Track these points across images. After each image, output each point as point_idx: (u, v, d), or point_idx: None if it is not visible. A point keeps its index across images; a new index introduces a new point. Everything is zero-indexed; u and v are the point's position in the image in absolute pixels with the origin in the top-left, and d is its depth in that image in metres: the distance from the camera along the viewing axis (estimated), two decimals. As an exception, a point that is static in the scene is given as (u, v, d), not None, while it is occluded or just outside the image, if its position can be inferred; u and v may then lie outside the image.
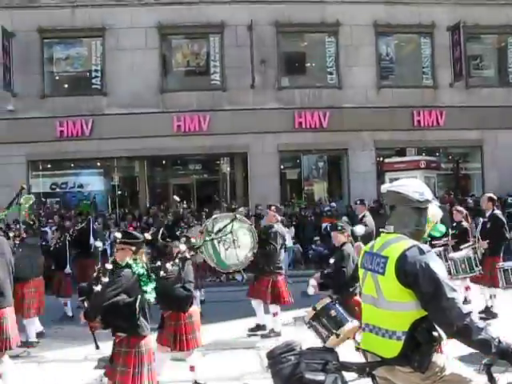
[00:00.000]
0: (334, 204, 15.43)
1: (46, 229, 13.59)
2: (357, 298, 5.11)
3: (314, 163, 16.63)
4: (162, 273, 4.86)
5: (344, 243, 5.75)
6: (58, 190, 15.92)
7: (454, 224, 8.32)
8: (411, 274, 2.45)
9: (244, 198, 15.78)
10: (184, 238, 5.68)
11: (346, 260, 5.55)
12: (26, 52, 15.41)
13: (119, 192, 16.21)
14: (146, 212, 15.02)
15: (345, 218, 14.53)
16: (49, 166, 16.15)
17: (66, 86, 16.10)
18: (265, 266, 7.03)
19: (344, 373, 2.61)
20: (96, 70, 15.78)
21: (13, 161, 15.35)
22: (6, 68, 15.09)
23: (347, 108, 15.90)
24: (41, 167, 16.08)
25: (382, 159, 16.24)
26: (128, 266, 3.98)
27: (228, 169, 16.85)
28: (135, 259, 4.03)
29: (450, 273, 7.31)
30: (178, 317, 5.13)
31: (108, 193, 16.11)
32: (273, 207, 7.43)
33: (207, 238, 6.12)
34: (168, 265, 5.06)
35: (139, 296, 3.88)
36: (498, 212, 7.78)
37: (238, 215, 6.90)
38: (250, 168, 15.75)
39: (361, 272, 2.81)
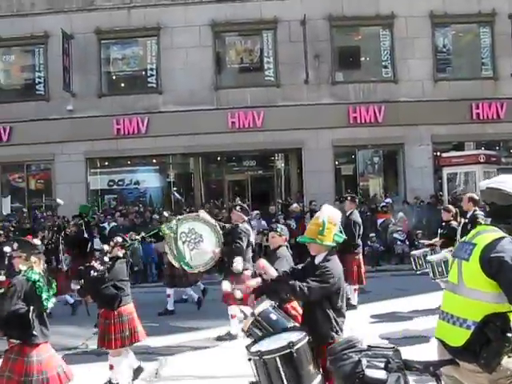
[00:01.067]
0: (389, 199, 15.70)
1: (105, 225, 14.48)
2: (292, 303, 4.96)
3: (369, 158, 16.94)
4: (92, 272, 5.42)
5: (280, 246, 5.66)
6: (115, 186, 16.83)
7: (443, 223, 8.31)
8: (497, 262, 2.52)
9: (298, 194, 16.25)
10: (117, 238, 5.88)
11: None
12: (84, 53, 16.43)
13: (174, 188, 16.97)
14: (200, 208, 15.62)
15: (401, 214, 14.85)
16: (106, 163, 17.10)
17: (123, 85, 17.00)
18: (231, 265, 7.07)
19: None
20: (151, 69, 16.62)
21: (72, 158, 16.39)
22: (66, 70, 16.13)
23: (403, 102, 16.15)
24: (99, 164, 17.05)
25: (439, 154, 16.38)
26: (21, 273, 4.18)
27: (282, 165, 17.37)
28: (31, 266, 4.21)
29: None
30: (107, 315, 5.42)
31: (163, 189, 16.91)
32: (238, 207, 7.67)
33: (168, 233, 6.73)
34: (96, 264, 5.55)
35: (31, 307, 4.02)
36: (479, 213, 7.56)
37: (201, 215, 7.46)
38: (304, 164, 16.22)
39: (451, 261, 2.93)
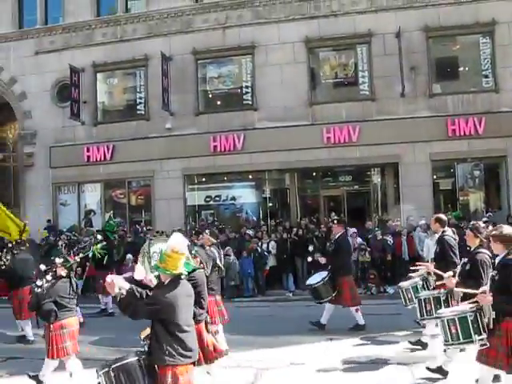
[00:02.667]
0: (490, 213, 15.93)
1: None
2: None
3: (469, 172, 17.28)
4: (35, 289, 6.59)
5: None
6: (211, 202, 18.29)
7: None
8: None
9: (395, 210, 16.89)
10: (57, 259, 6.78)
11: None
12: (181, 74, 18.10)
13: (270, 204, 18.17)
14: (296, 224, 16.70)
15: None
16: (203, 179, 18.61)
17: (219, 102, 18.46)
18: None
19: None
20: (247, 87, 17.96)
21: (170, 175, 18.05)
22: (165, 90, 17.86)
23: (505, 112, 16.42)
24: (196, 181, 18.59)
25: (546, 166, 16.43)
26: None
27: (379, 180, 18.09)
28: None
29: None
30: (49, 327, 6.55)
31: (260, 205, 18.14)
32: (207, 231, 8.52)
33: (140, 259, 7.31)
34: (39, 281, 6.63)
35: None
36: (447, 234, 7.54)
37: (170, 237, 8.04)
38: (401, 178, 16.86)
39: None
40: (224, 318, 8.08)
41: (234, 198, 18.14)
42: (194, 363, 4.39)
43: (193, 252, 6.39)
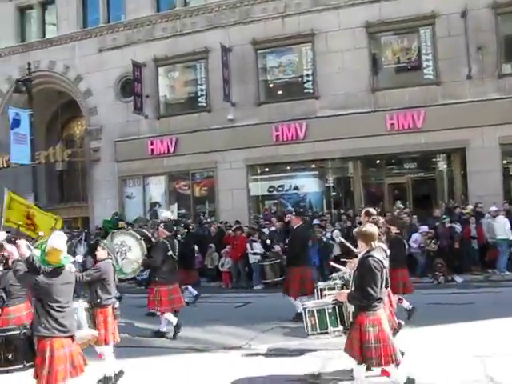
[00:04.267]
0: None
1: (265, 230, 16.93)
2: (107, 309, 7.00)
3: (542, 156, 17.43)
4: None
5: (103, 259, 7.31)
6: (275, 192, 19.39)
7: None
8: None
9: (463, 197, 17.38)
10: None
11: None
12: (242, 64, 19.22)
13: (334, 193, 19.07)
14: (360, 212, 17.43)
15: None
16: (266, 169, 19.74)
17: (280, 92, 19.48)
18: (151, 276, 9.64)
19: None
20: (307, 75, 18.90)
21: (233, 166, 19.24)
22: (225, 81, 19.04)
23: None
24: (259, 171, 19.75)
25: None
26: None
27: (445, 166, 18.58)
28: None
29: None
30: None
31: (323, 194, 19.08)
32: (162, 225, 9.90)
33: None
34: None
35: None
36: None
37: (131, 231, 9.87)
38: (468, 164, 17.31)
39: None
40: (177, 305, 9.47)
41: (297, 188, 19.15)
42: (71, 338, 5.36)
43: (101, 244, 7.61)
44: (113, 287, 7.41)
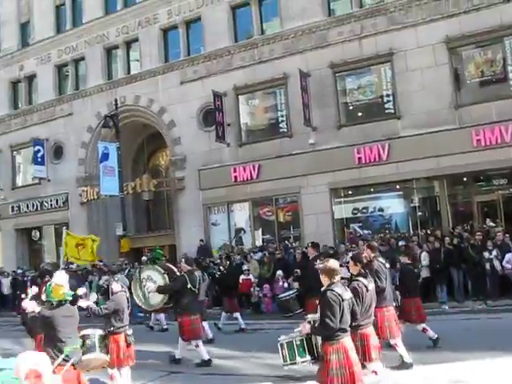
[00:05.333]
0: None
1: (350, 253, 17.42)
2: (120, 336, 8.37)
3: None
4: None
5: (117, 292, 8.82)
6: (359, 214, 19.96)
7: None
8: None
9: None
10: None
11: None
12: (320, 88, 20.08)
13: (419, 213, 19.32)
14: (449, 232, 17.64)
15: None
16: (349, 192, 20.35)
17: (360, 114, 20.16)
18: (175, 307, 10.78)
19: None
20: (387, 95, 19.47)
21: (317, 190, 19.99)
22: (305, 106, 19.96)
23: None
24: (342, 194, 20.38)
25: None
26: None
27: (540, 181, 18.35)
28: None
29: None
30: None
31: (408, 215, 19.41)
32: (183, 259, 11.49)
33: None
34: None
35: None
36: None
37: (156, 266, 11.16)
38: None
39: None
40: (199, 335, 10.59)
41: (381, 209, 19.59)
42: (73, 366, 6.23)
43: (115, 279, 9.02)
44: (126, 316, 8.62)
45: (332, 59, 20.08)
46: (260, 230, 22.01)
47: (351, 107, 20.35)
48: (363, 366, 6.48)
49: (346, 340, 5.86)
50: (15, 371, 3.14)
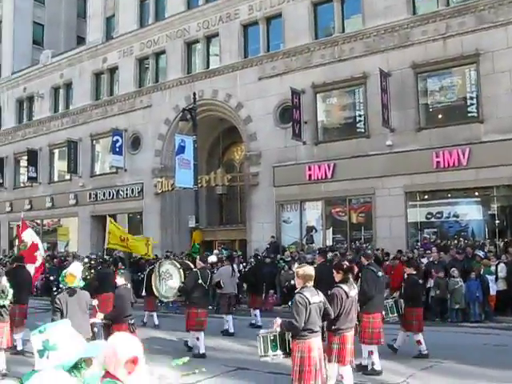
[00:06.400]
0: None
1: (423, 260, 17.46)
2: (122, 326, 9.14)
3: None
4: None
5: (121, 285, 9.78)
6: (433, 219, 19.95)
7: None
8: None
9: None
10: None
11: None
12: (401, 89, 20.18)
13: (497, 221, 19.05)
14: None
15: None
16: (425, 196, 20.33)
17: (441, 116, 20.14)
18: (186, 300, 12.10)
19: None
20: (471, 98, 19.35)
21: (391, 192, 20.11)
22: (384, 106, 20.11)
23: None
24: (417, 198, 20.38)
25: None
26: None
27: None
28: None
29: None
30: None
31: (485, 223, 19.19)
32: (198, 257, 12.94)
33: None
34: None
35: None
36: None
37: (174, 261, 12.75)
38: None
39: None
40: (202, 328, 11.45)
41: (457, 215, 19.46)
42: None
43: (119, 273, 10.44)
44: (128, 307, 9.67)
45: (414, 59, 20.10)
46: (331, 229, 22.36)
47: (432, 109, 20.31)
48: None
49: (313, 340, 6.56)
50: (111, 355, 3.13)
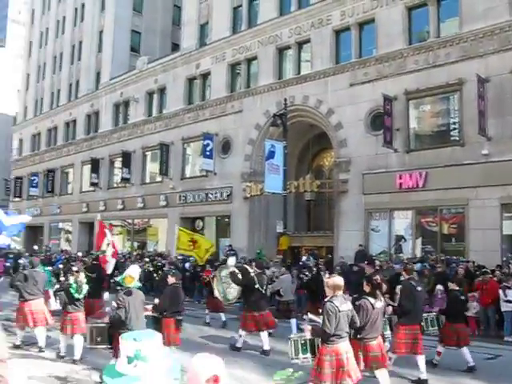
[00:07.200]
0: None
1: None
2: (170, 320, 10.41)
3: None
4: None
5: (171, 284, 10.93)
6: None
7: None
8: None
9: None
10: None
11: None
12: (500, 95, 19.70)
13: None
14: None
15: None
16: (523, 208, 19.61)
17: (543, 125, 19.28)
18: (244, 303, 13.29)
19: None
20: None
21: (486, 204, 19.59)
22: (481, 113, 19.65)
23: None
24: (514, 210, 19.71)
25: None
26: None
27: None
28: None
29: None
30: None
31: None
32: (254, 263, 14.45)
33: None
34: None
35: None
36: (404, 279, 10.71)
37: (231, 267, 13.62)
38: None
39: None
40: (266, 327, 12.41)
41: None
42: None
43: (171, 273, 11.51)
44: (177, 304, 10.64)
45: (514, 64, 19.51)
46: (420, 239, 22.06)
47: (534, 117, 19.62)
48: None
49: (341, 346, 7.20)
50: (192, 376, 3.14)
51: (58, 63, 47.70)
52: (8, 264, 28.00)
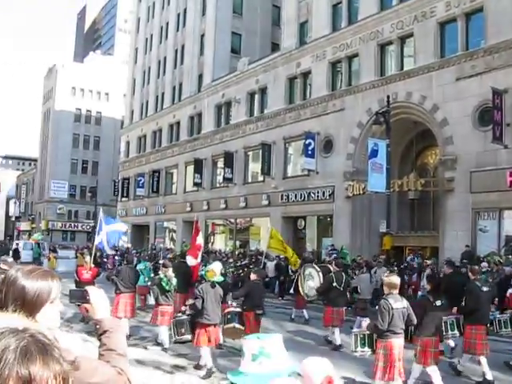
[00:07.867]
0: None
1: None
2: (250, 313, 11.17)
3: None
4: None
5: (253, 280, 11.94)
6: None
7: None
8: None
9: None
10: None
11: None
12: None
13: None
14: None
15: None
16: None
17: None
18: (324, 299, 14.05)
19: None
20: None
21: None
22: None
23: None
24: None
25: None
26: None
27: None
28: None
29: None
30: None
31: None
32: (333, 262, 15.21)
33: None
34: None
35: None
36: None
37: (314, 265, 14.70)
38: None
39: None
40: (337, 324, 13.06)
41: None
42: (214, 325, 10.05)
43: (253, 271, 12.66)
44: (257, 299, 11.37)
45: None
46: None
47: None
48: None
49: (394, 340, 7.73)
50: (306, 379, 3.11)
51: (162, 67, 49.79)
52: (117, 259, 32.07)
